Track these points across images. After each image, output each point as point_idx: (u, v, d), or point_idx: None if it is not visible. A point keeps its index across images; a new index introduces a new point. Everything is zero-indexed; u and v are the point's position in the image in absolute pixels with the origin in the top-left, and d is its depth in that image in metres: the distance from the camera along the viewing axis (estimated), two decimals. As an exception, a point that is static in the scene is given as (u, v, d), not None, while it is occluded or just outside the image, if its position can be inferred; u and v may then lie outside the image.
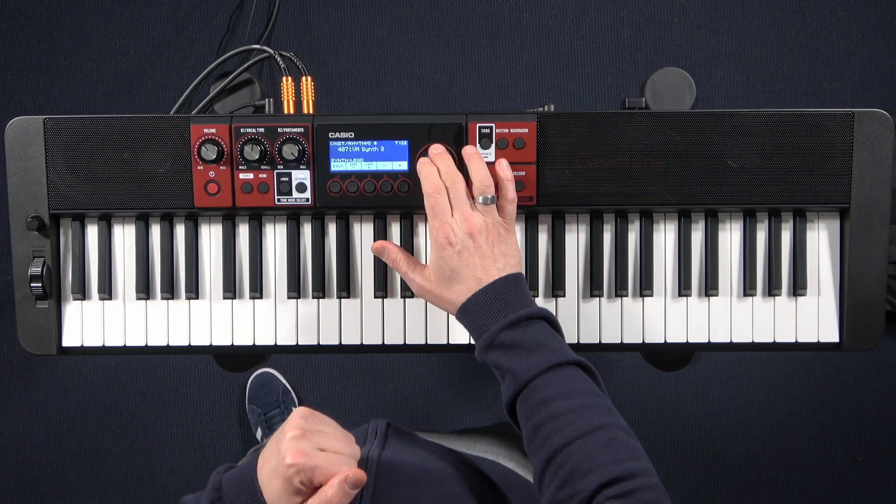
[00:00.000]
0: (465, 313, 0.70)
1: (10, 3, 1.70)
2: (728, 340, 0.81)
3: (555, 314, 0.80)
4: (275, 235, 0.82)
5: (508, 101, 1.71)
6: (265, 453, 0.60)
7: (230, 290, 0.81)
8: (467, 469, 0.75)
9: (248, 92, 0.88)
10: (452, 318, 0.80)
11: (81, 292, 0.81)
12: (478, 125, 0.77)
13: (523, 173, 0.77)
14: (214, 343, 0.82)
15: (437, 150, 0.75)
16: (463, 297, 0.70)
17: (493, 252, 0.70)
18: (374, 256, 0.81)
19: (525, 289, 0.70)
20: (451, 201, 0.72)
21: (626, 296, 0.81)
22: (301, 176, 0.78)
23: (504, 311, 0.68)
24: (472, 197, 0.73)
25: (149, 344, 0.82)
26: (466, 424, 1.71)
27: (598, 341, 0.81)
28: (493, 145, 0.77)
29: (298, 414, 0.61)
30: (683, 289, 0.80)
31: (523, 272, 0.73)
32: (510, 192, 0.74)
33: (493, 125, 0.77)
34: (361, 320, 0.82)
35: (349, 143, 0.77)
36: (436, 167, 0.73)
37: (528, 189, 0.78)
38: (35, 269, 0.79)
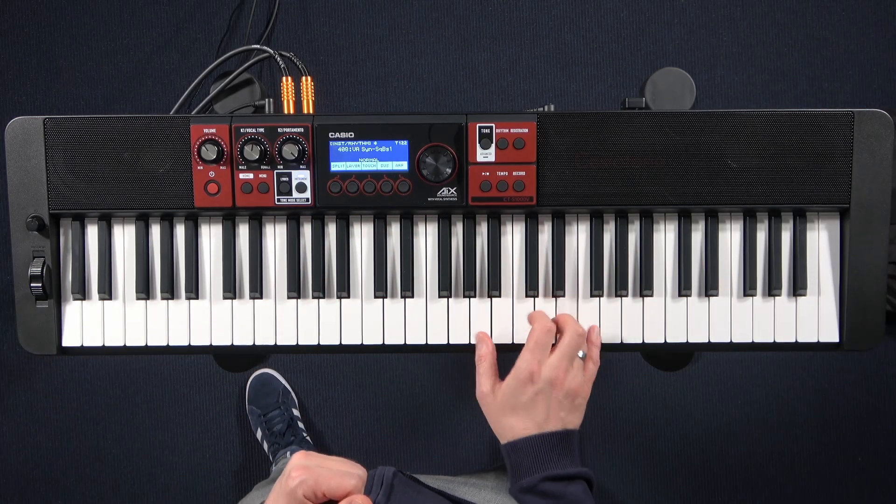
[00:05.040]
0: (515, 450, 0.73)
1: (10, 3, 1.70)
2: (728, 340, 0.81)
3: (554, 315, 0.80)
4: (275, 235, 0.82)
5: (508, 101, 1.71)
6: (272, 495, 0.63)
7: (230, 290, 0.81)
8: None
9: (248, 92, 0.88)
10: (453, 318, 0.80)
11: (81, 292, 0.81)
12: (478, 125, 0.77)
13: (523, 173, 0.77)
14: (214, 343, 0.82)
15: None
16: (518, 433, 0.73)
17: (562, 405, 0.74)
18: (374, 256, 0.81)
19: (576, 448, 0.74)
20: (558, 346, 0.74)
21: (627, 296, 0.81)
22: (301, 176, 0.78)
23: (552, 463, 0.72)
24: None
25: (149, 344, 0.82)
26: (466, 424, 1.71)
27: (598, 341, 0.81)
28: (493, 145, 0.77)
29: (299, 453, 0.66)
30: (683, 289, 0.80)
31: (578, 431, 0.77)
32: (595, 355, 0.78)
33: (493, 125, 0.77)
34: (361, 320, 0.82)
35: (349, 143, 0.77)
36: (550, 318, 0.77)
37: (528, 189, 0.77)
38: (35, 269, 0.79)
